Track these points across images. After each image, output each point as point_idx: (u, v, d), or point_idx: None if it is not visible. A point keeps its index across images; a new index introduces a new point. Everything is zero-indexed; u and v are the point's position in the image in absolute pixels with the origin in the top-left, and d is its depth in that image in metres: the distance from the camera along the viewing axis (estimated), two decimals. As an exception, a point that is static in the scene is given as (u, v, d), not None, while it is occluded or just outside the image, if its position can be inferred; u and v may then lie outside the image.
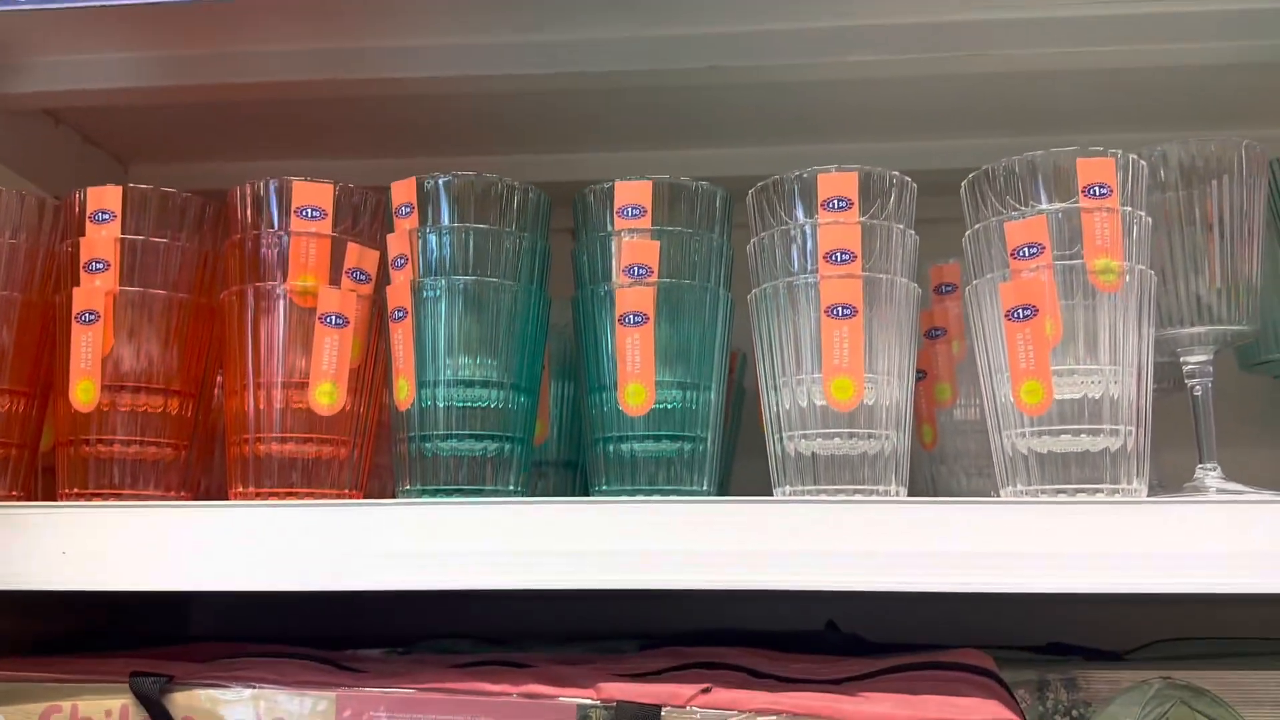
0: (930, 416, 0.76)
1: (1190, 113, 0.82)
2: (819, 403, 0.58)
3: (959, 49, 0.72)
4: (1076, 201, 0.56)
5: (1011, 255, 0.57)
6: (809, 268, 0.58)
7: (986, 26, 0.71)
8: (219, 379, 0.66)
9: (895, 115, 0.83)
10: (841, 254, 0.58)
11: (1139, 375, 0.56)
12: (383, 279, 0.61)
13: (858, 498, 0.56)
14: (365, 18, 0.72)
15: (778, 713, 0.52)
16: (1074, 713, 0.63)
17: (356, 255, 0.61)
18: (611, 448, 0.61)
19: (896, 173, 0.60)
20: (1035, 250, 0.56)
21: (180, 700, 0.55)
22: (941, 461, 0.76)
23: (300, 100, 0.82)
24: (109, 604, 0.77)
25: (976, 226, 0.59)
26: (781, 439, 0.59)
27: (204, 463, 0.66)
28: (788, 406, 0.59)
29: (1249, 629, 0.73)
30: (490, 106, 0.82)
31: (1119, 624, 0.72)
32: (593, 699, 0.54)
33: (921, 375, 0.78)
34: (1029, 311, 0.56)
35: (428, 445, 0.59)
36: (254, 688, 0.55)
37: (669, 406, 0.61)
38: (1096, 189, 0.56)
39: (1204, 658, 0.64)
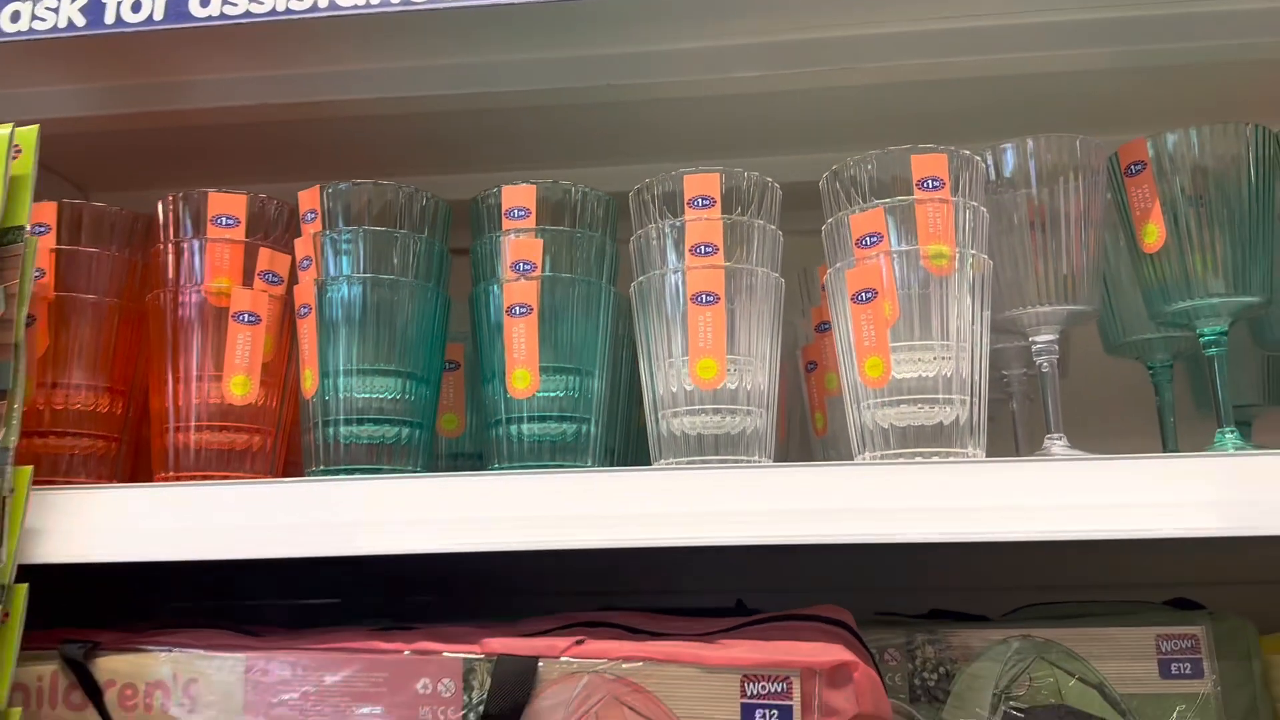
0: (821, 405, 0.82)
1: (1062, 117, 0.88)
2: (688, 386, 0.64)
3: (835, 63, 0.78)
4: (912, 195, 0.62)
5: (856, 244, 0.63)
6: (678, 261, 0.64)
7: (860, 41, 0.77)
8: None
9: (789, 128, 0.89)
10: (705, 247, 0.64)
11: (973, 352, 0.62)
12: (294, 281, 0.67)
13: (729, 465, 0.62)
14: (294, 46, 0.79)
15: (641, 658, 0.58)
16: (941, 669, 0.68)
17: (268, 259, 0.67)
18: (503, 430, 0.67)
19: (757, 174, 0.66)
20: (875, 239, 0.62)
21: (104, 664, 0.61)
22: (833, 446, 0.81)
23: (249, 124, 0.88)
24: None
25: (830, 220, 0.65)
26: (659, 418, 0.65)
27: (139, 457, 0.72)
28: (662, 390, 0.65)
29: (1094, 574, 0.78)
30: (411, 127, 0.88)
31: (991, 590, 0.77)
32: (476, 653, 0.59)
33: (813, 366, 0.83)
34: (870, 294, 0.62)
35: (330, 431, 0.64)
36: (170, 650, 0.61)
37: (555, 393, 0.66)
38: (930, 182, 0.62)
39: (1062, 618, 0.69)
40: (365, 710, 0.58)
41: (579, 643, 0.59)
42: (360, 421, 0.64)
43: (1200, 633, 0.66)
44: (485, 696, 0.58)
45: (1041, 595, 0.74)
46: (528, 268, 0.65)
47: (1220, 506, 0.56)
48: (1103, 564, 0.84)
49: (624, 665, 0.58)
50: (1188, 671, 0.66)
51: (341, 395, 0.64)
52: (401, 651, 0.59)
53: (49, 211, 0.68)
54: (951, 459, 0.60)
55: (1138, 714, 0.65)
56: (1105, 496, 0.57)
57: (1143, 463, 0.56)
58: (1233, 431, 0.66)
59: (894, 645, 0.69)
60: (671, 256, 0.65)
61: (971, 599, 0.75)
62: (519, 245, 0.66)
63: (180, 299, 0.65)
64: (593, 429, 0.67)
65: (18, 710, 0.60)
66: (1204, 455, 0.57)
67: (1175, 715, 0.65)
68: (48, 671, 0.61)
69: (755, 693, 0.57)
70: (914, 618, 0.74)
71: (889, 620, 0.71)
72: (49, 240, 0.67)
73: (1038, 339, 0.68)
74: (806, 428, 0.85)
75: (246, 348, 0.65)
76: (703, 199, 0.65)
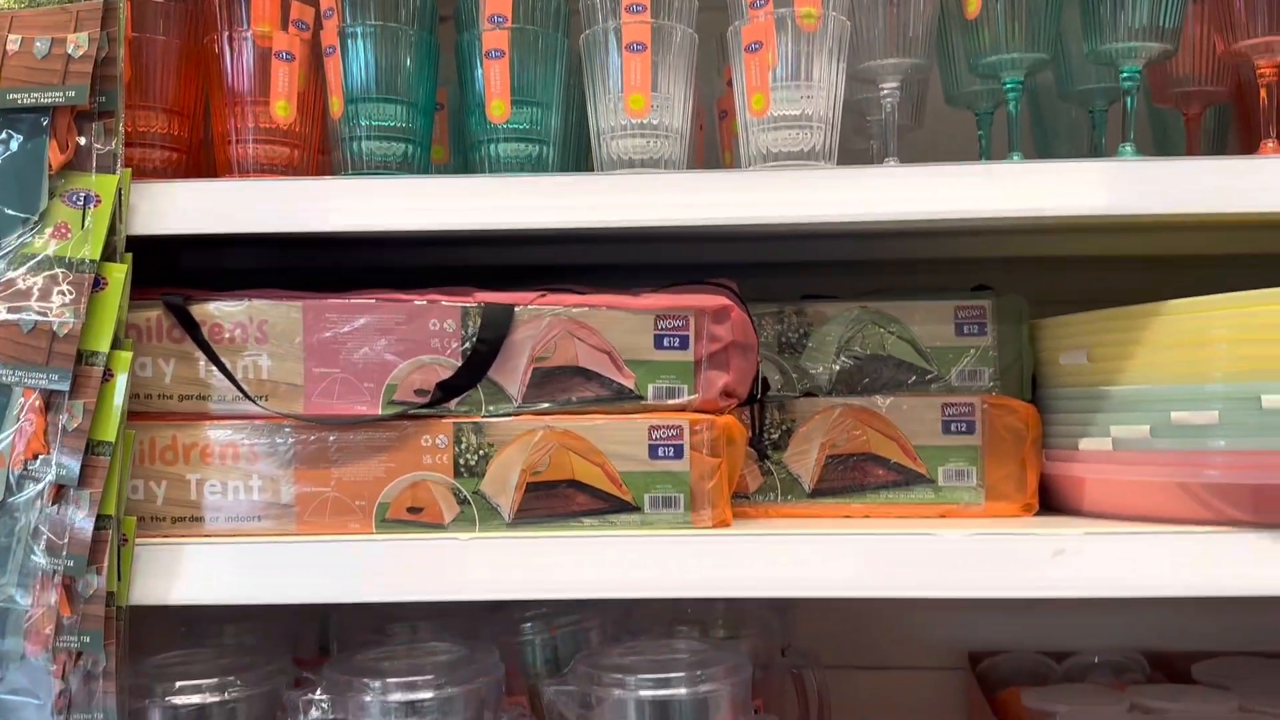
0: (730, 145, 1.04)
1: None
2: (622, 119, 0.85)
3: None
4: (793, -32, 0.83)
5: (749, 7, 0.84)
6: (616, 19, 0.85)
7: None
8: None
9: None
10: (636, 7, 0.84)
11: (830, 92, 0.84)
12: (319, 28, 0.87)
13: (654, 171, 0.85)
14: None
15: (587, 305, 0.82)
16: (801, 330, 0.94)
17: (298, 10, 0.86)
18: (483, 151, 0.89)
19: (678, -46, 0.86)
20: (763, 2, 0.83)
21: (196, 311, 0.84)
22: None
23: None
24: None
25: (733, -11, 0.86)
26: (601, 143, 0.87)
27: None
28: (603, 121, 0.86)
29: (924, 272, 1.05)
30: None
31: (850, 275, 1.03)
32: (470, 302, 0.83)
33: (724, 115, 1.05)
34: (757, 45, 0.83)
35: (354, 146, 0.86)
36: (247, 301, 0.84)
37: (522, 123, 0.88)
38: (804, -41, 0.82)
39: (891, 294, 0.95)
40: (391, 340, 0.83)
41: (543, 295, 0.83)
42: (375, 138, 0.86)
43: (987, 305, 0.93)
44: (477, 331, 0.82)
45: (884, 282, 1.00)
46: (500, 20, 0.86)
47: (999, 200, 0.80)
48: (934, 268, 1.10)
49: (574, 310, 0.83)
50: (976, 331, 0.93)
51: (361, 119, 0.85)
52: (415, 301, 0.83)
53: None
54: (809, 167, 0.83)
55: (938, 359, 0.92)
56: (922, 193, 0.81)
57: (945, 166, 0.80)
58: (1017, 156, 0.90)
59: (769, 314, 0.94)
60: (611, 17, 0.85)
61: (834, 284, 1.00)
62: (494, 2, 0.86)
63: (233, 40, 0.84)
64: (551, 151, 0.90)
65: (129, 342, 0.83)
66: (977, 164, 0.81)
67: (965, 359, 0.92)
68: (154, 315, 0.84)
69: (664, 327, 0.82)
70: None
71: (766, 300, 0.96)
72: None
73: (884, 86, 0.91)
74: (719, 163, 1.08)
75: (286, 79, 0.85)
76: (635, -30, 0.85)
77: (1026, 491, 0.89)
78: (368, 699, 0.81)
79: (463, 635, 0.95)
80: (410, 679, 0.82)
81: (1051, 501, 0.90)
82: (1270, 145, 0.88)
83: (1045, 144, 1.10)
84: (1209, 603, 1.24)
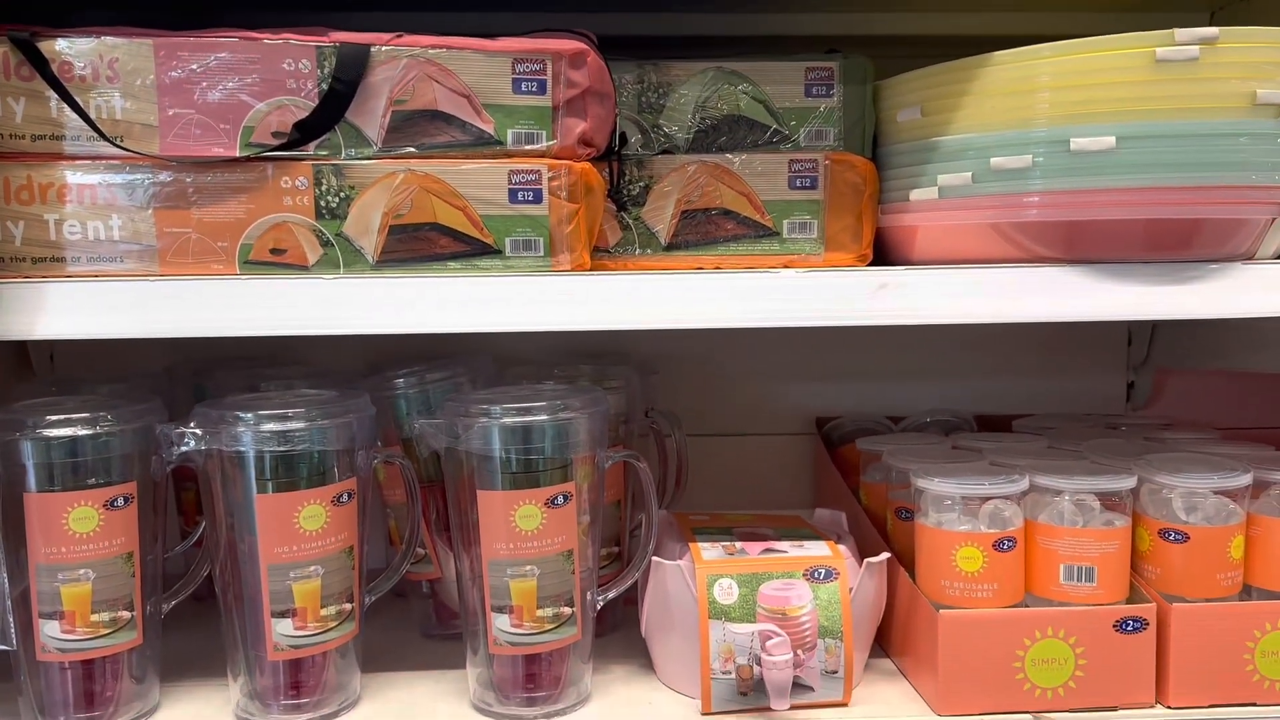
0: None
1: None
2: None
3: None
4: None
5: None
6: None
7: None
8: None
9: None
10: None
11: None
12: None
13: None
14: None
15: (444, 47, 0.84)
16: (659, 90, 0.97)
17: None
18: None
19: None
20: None
21: (44, 47, 0.82)
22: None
23: None
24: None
25: None
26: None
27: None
28: None
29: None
30: None
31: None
32: (326, 42, 0.83)
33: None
34: None
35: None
36: (97, 38, 0.82)
37: None
38: None
39: (744, 55, 0.98)
40: (246, 80, 0.83)
41: (399, 36, 0.84)
42: None
43: (835, 66, 0.97)
44: (333, 71, 0.83)
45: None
46: None
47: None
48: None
49: (431, 51, 0.84)
50: (824, 93, 0.97)
51: None
52: (268, 40, 0.83)
53: None
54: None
55: (786, 119, 0.97)
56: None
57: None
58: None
59: (628, 74, 0.97)
60: None
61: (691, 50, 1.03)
62: None
63: None
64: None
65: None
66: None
67: (813, 119, 0.97)
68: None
69: (521, 70, 0.85)
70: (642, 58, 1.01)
71: (624, 57, 0.98)
72: None
73: None
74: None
75: None
76: None
77: (862, 242, 0.96)
78: (240, 430, 0.85)
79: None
80: (282, 410, 0.86)
81: (887, 255, 0.98)
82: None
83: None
84: (1034, 369, 1.37)
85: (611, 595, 0.97)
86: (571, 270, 0.86)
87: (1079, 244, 0.84)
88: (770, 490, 1.35)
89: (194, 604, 1.07)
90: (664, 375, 1.23)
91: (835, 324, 0.85)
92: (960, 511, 0.92)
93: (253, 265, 0.84)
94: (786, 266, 0.95)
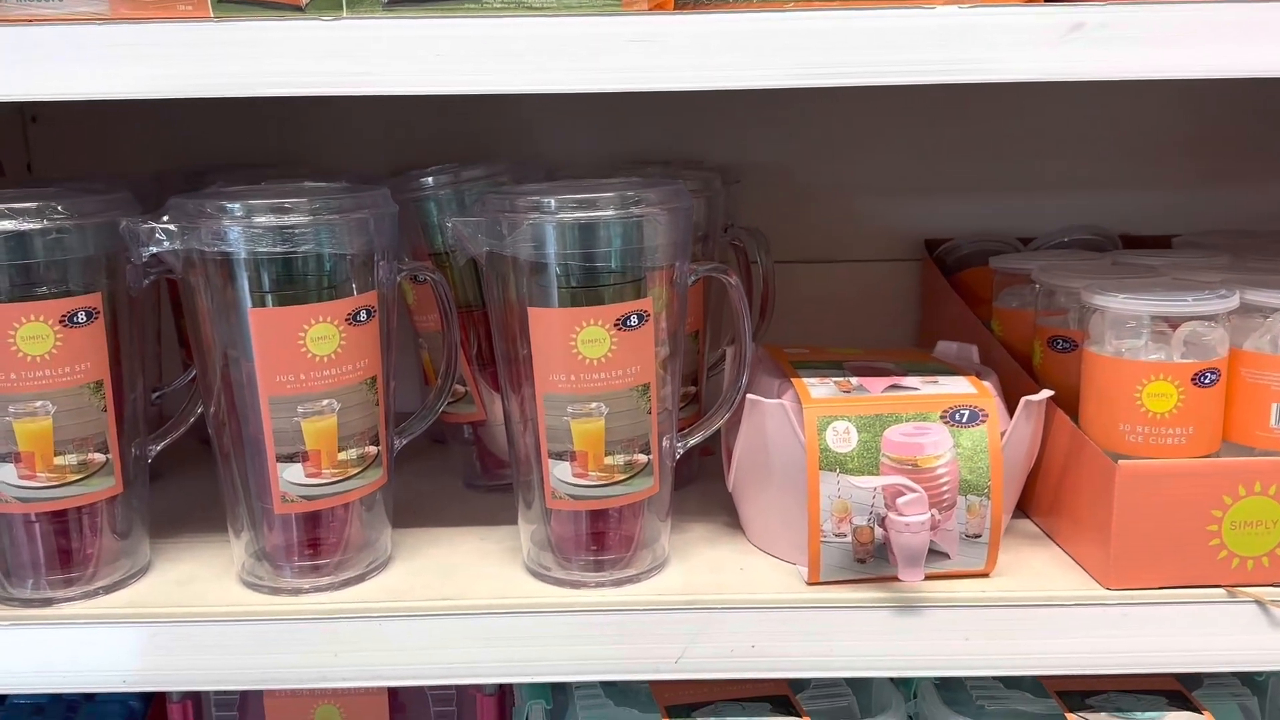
0: None
1: None
2: None
3: None
4: None
5: None
6: None
7: None
8: None
9: None
10: None
11: None
12: None
13: None
14: None
15: None
16: None
17: None
18: None
19: None
20: None
21: None
22: None
23: None
24: None
25: None
26: None
27: None
28: None
29: None
30: None
31: None
32: None
33: None
34: None
35: None
36: None
37: None
38: None
39: None
40: None
41: None
42: None
43: None
44: None
45: None
46: None
47: None
48: None
49: None
50: None
51: None
52: None
53: None
54: None
55: None
56: None
57: None
58: None
59: None
60: None
61: None
62: None
63: None
64: None
65: None
66: None
67: None
68: None
69: None
70: None
71: None
72: None
73: None
74: None
75: None
76: None
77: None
78: (225, 224, 0.66)
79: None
80: (279, 201, 0.67)
81: None
82: None
83: None
84: (1186, 182, 1.14)
85: (695, 441, 0.79)
86: (648, 10, 0.65)
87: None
88: (865, 327, 1.15)
89: (201, 448, 0.91)
90: (746, 176, 1.03)
91: (1008, 79, 0.63)
92: (1149, 336, 0.71)
93: (231, 5, 0.64)
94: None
